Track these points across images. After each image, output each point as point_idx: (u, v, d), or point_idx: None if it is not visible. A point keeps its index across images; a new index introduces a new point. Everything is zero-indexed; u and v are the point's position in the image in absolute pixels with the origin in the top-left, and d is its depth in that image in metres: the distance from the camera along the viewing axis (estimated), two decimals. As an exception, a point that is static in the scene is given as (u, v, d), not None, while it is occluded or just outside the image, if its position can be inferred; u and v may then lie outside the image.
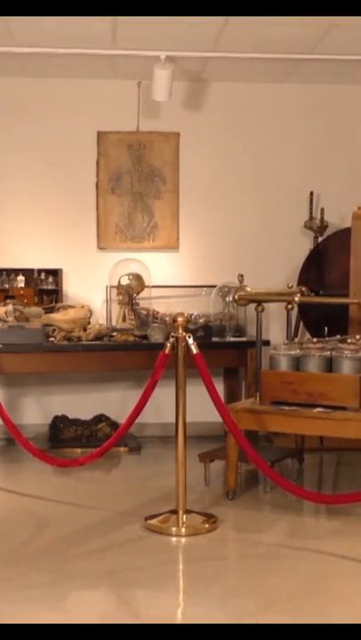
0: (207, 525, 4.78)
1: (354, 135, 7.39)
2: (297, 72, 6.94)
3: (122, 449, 6.65)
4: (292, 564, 4.28)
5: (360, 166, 7.36)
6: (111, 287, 6.94)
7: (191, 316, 6.67)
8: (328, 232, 7.08)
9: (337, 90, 7.35)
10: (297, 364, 5.38)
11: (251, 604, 3.76)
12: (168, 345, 4.84)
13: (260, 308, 5.64)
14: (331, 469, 6.34)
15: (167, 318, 6.64)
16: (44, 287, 7.08)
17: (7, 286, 7.01)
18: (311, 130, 7.39)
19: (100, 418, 6.99)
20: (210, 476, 5.70)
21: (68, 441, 6.82)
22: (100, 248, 7.28)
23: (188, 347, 4.80)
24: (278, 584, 4.02)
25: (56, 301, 7.00)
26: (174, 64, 6.45)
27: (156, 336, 6.52)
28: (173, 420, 4.83)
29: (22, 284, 7.01)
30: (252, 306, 5.72)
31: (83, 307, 6.66)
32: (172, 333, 4.86)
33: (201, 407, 5.57)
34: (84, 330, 6.49)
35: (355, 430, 5.05)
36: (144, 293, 6.91)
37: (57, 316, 6.47)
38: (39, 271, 7.09)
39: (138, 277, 6.88)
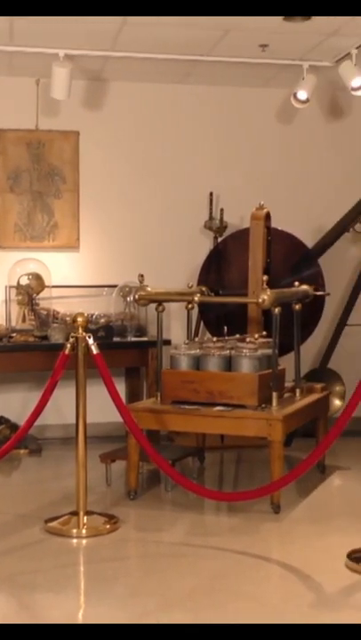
0: (108, 526, 4.77)
1: (252, 136, 7.50)
2: (195, 73, 6.99)
3: (22, 451, 6.56)
4: (193, 561, 4.31)
5: (259, 167, 7.47)
6: (10, 287, 6.84)
7: (92, 316, 6.65)
8: (227, 232, 7.16)
9: (235, 91, 7.44)
10: (197, 363, 5.42)
11: (152, 603, 3.77)
12: (68, 345, 4.81)
13: (160, 307, 5.66)
14: (231, 467, 6.41)
15: (68, 318, 6.59)
16: None
17: None
18: (210, 130, 7.45)
19: (-1, 420, 6.89)
20: (111, 476, 5.69)
21: (-33, 444, 6.69)
22: (-1, 247, 7.17)
23: (88, 347, 4.78)
24: (179, 582, 4.04)
25: None
26: (73, 62, 6.40)
27: (56, 336, 6.47)
28: (74, 421, 4.80)
29: None
30: (153, 306, 5.73)
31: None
32: (72, 334, 4.83)
33: (102, 407, 5.54)
34: (-17, 331, 6.38)
35: (254, 428, 5.13)
36: (44, 293, 6.85)
37: None
38: None
39: (38, 277, 6.81)
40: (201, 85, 7.36)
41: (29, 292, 6.73)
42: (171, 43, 6.13)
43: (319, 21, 5.58)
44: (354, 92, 6.35)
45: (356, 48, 6.14)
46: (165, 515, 5.17)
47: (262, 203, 6.24)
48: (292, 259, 6.80)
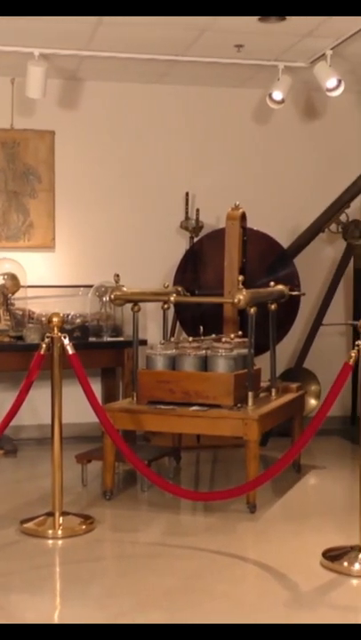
0: (84, 527, 4.76)
1: (228, 137, 7.51)
2: (171, 73, 6.99)
3: (-2, 452, 6.55)
4: (169, 561, 4.31)
5: (234, 167, 7.49)
6: (-15, 287, 6.81)
7: (67, 316, 6.63)
8: (203, 232, 7.17)
9: (211, 92, 7.45)
10: (173, 363, 5.42)
11: (128, 603, 3.77)
12: (44, 345, 4.79)
13: (136, 307, 5.66)
14: (207, 467, 6.42)
15: (43, 319, 6.56)
16: None
17: None
18: (186, 131, 7.45)
19: (-26, 420, 6.85)
20: (87, 476, 5.68)
21: None
22: (-26, 247, 7.13)
23: (63, 347, 4.77)
24: (155, 582, 4.04)
25: None
26: (49, 61, 6.38)
27: (31, 337, 6.45)
28: (50, 422, 4.79)
29: None
30: (129, 306, 5.73)
31: None
32: (48, 334, 4.82)
33: (78, 408, 5.53)
34: None
35: (230, 428, 5.14)
36: (19, 293, 6.81)
37: None
38: None
39: (13, 277, 6.78)
40: (177, 85, 7.37)
41: (4, 292, 6.70)
42: (146, 43, 6.13)
43: (294, 22, 5.60)
44: (329, 93, 6.38)
45: (331, 49, 6.16)
46: (141, 515, 5.17)
47: (238, 203, 6.25)
48: (268, 259, 6.82)
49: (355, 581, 4.07)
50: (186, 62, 6.60)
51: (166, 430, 5.68)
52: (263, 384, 5.83)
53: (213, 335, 5.78)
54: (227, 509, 5.09)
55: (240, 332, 5.75)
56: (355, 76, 6.99)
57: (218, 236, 6.57)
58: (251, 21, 5.57)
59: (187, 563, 4.30)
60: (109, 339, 6.80)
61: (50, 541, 4.62)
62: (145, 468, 4.94)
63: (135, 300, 5.67)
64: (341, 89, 6.33)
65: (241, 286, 5.29)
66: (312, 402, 7.17)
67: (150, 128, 7.40)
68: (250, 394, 5.26)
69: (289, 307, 6.44)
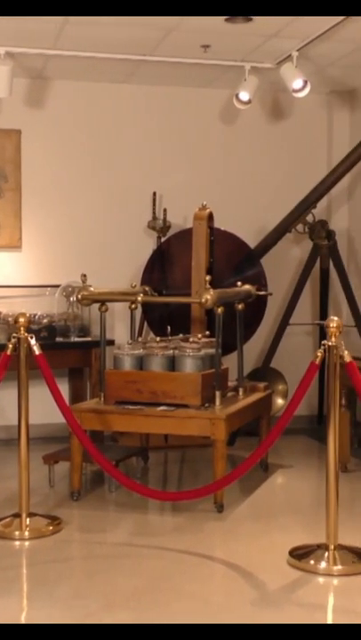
0: (51, 528, 4.74)
1: (195, 137, 7.52)
2: (138, 73, 6.98)
3: (-36, 453, 6.50)
4: (136, 562, 4.31)
5: (202, 167, 7.50)
6: None
7: (34, 316, 6.60)
8: (171, 232, 7.17)
9: (178, 92, 7.45)
10: (141, 363, 5.42)
11: (95, 604, 3.76)
12: (10, 346, 4.77)
13: (103, 307, 5.65)
14: (175, 466, 6.42)
15: (10, 319, 6.52)
16: None
17: None
18: (154, 130, 7.45)
19: None
20: (54, 477, 5.66)
21: None
22: None
23: (30, 347, 4.74)
24: (122, 583, 4.04)
25: None
26: (15, 60, 6.35)
27: (-2, 337, 6.41)
28: (17, 423, 4.76)
29: None
30: (96, 306, 5.72)
31: None
32: (14, 334, 4.79)
33: (45, 408, 5.52)
34: None
35: (197, 427, 5.15)
36: (-14, 293, 6.78)
37: None
38: None
39: (-21, 277, 6.74)
40: (144, 85, 7.36)
41: (-29, 292, 6.66)
42: (113, 42, 6.12)
43: (260, 23, 5.62)
44: (295, 94, 6.41)
45: (297, 50, 6.19)
46: (109, 515, 5.16)
47: (205, 203, 6.27)
48: (235, 259, 6.84)
49: (321, 579, 4.09)
50: (153, 62, 6.60)
51: (134, 430, 5.68)
52: (231, 384, 5.85)
53: (181, 335, 5.78)
54: (194, 509, 5.10)
55: (208, 332, 5.77)
56: (321, 78, 7.04)
57: (185, 235, 6.57)
58: (217, 22, 5.58)
59: (154, 563, 4.30)
60: (77, 339, 6.78)
61: (17, 543, 4.60)
62: (112, 468, 4.93)
63: (102, 300, 5.66)
64: (307, 90, 6.36)
65: (208, 286, 5.30)
66: (279, 401, 7.21)
67: (117, 128, 7.39)
68: (217, 393, 5.27)
69: (256, 306, 6.47)
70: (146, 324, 6.95)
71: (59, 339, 6.68)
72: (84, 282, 5.62)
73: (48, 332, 6.57)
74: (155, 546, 4.54)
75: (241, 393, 5.84)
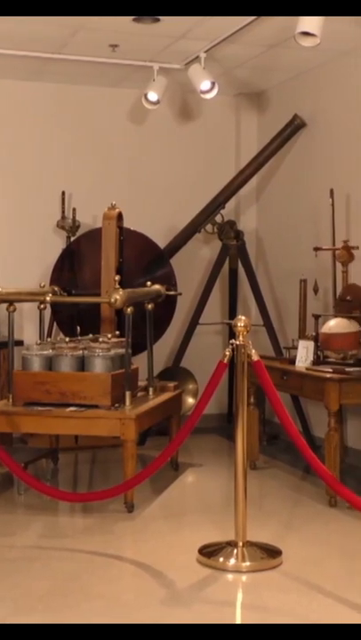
0: None
1: (105, 136, 7.49)
2: (47, 71, 6.92)
3: None
4: (46, 564, 4.28)
5: (111, 167, 7.48)
6: None
7: None
8: (80, 232, 7.13)
9: (87, 90, 7.42)
10: (50, 363, 5.37)
11: (5, 607, 3.71)
12: None
13: (11, 307, 5.58)
14: (86, 467, 6.39)
15: None
16: None
17: None
18: (63, 129, 7.39)
19: None
20: None
21: None
22: None
23: None
24: (32, 585, 3.99)
25: None
26: None
27: None
28: None
29: None
30: (4, 305, 5.64)
31: None
32: None
33: None
34: None
35: (107, 428, 5.14)
36: None
37: None
38: None
39: None
40: (53, 83, 7.30)
41: None
42: (21, 39, 6.05)
43: (168, 24, 5.64)
44: (203, 95, 6.46)
45: (205, 51, 6.24)
46: (18, 518, 5.10)
47: (114, 203, 6.26)
48: (145, 259, 6.84)
49: (230, 576, 4.14)
50: (61, 60, 6.55)
51: (43, 432, 5.63)
52: (141, 383, 5.86)
53: (91, 335, 5.76)
54: (105, 510, 5.09)
55: (117, 332, 5.76)
56: (229, 79, 7.11)
57: (95, 235, 6.55)
58: (125, 21, 5.58)
59: (64, 564, 4.27)
60: (-16, 340, 6.67)
61: None
62: (21, 471, 4.88)
63: (10, 300, 5.59)
64: (215, 91, 6.41)
65: (118, 286, 5.29)
66: (190, 400, 7.24)
67: (26, 126, 7.30)
68: (127, 393, 5.27)
69: (166, 306, 6.49)
70: (55, 324, 6.90)
71: (-34, 340, 6.57)
72: (-9, 282, 5.54)
73: None
74: (64, 547, 4.51)
75: (151, 393, 5.85)
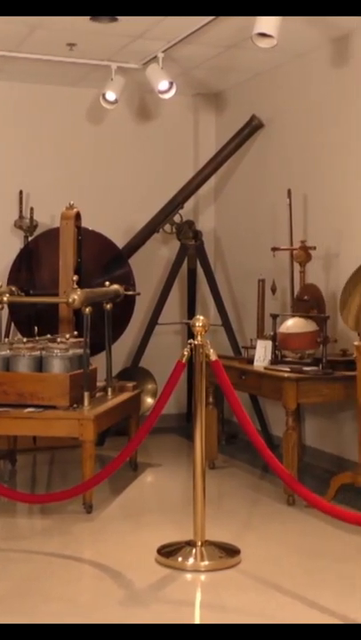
0: None
1: (62, 135, 7.46)
2: (4, 69, 6.87)
3: None
4: (3, 566, 4.24)
5: (69, 166, 7.44)
6: None
7: None
8: (38, 231, 7.09)
9: (45, 89, 7.37)
10: (7, 364, 5.34)
11: None
12: None
13: (-32, 308, 5.53)
14: (44, 468, 6.36)
15: None
16: None
17: None
18: (20, 128, 7.34)
19: None
20: None
21: None
22: None
23: None
24: (-11, 588, 3.96)
25: None
26: None
27: None
28: None
29: None
30: None
31: None
32: None
33: None
34: None
35: (65, 428, 5.11)
36: None
37: None
38: None
39: None
40: (10, 82, 7.24)
41: None
42: (-24, 37, 6.00)
43: (126, 23, 5.63)
44: (161, 95, 6.46)
45: (163, 52, 6.24)
46: (-25, 520, 5.06)
47: (72, 202, 6.23)
48: (103, 258, 6.83)
49: (189, 576, 4.14)
50: (18, 58, 6.50)
51: (1, 433, 5.57)
52: (99, 384, 5.84)
53: (49, 335, 5.73)
54: (63, 511, 5.06)
55: (76, 332, 5.73)
56: (187, 80, 7.12)
57: (52, 235, 6.51)
58: (83, 21, 5.56)
59: (22, 566, 4.24)
60: None
61: None
62: (-22, 472, 4.84)
63: (-33, 301, 5.54)
64: (173, 91, 6.41)
65: (76, 286, 5.27)
66: (149, 400, 7.24)
67: (-18, 125, 7.25)
68: (86, 394, 5.25)
69: (124, 306, 6.48)
70: (12, 324, 6.85)
71: None
72: None
73: None
74: (22, 549, 4.48)
75: (110, 393, 5.84)
